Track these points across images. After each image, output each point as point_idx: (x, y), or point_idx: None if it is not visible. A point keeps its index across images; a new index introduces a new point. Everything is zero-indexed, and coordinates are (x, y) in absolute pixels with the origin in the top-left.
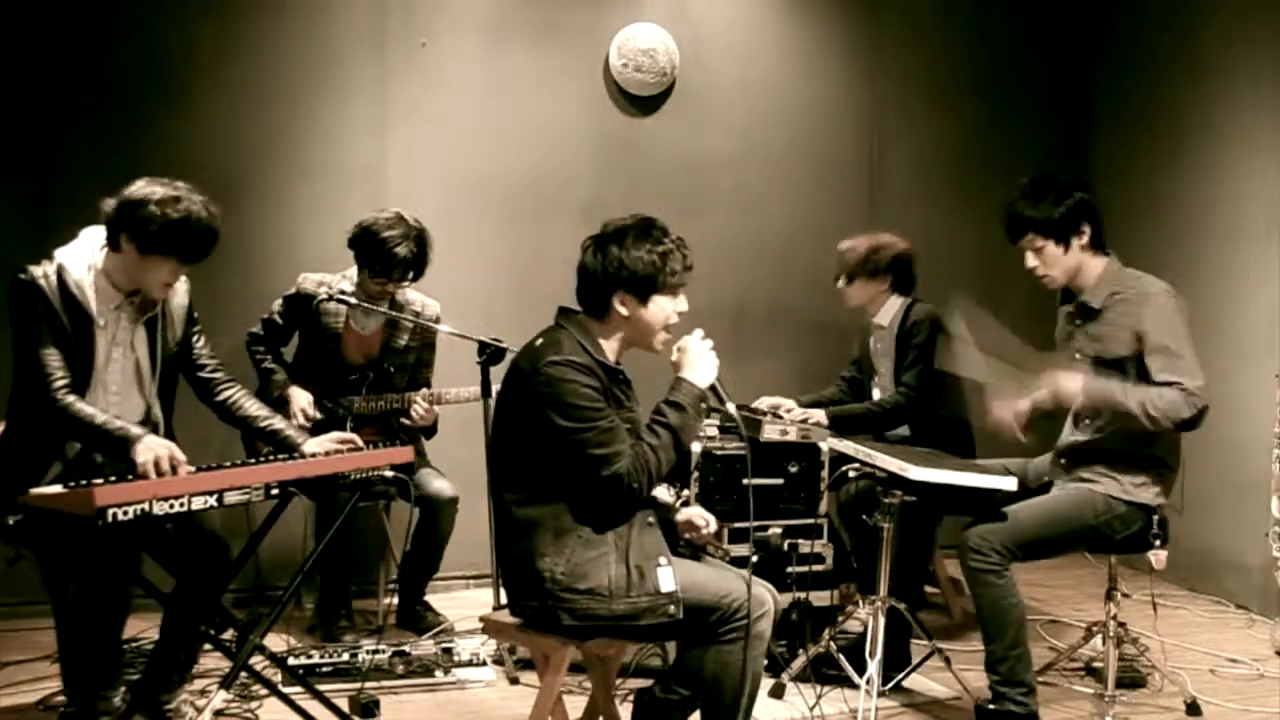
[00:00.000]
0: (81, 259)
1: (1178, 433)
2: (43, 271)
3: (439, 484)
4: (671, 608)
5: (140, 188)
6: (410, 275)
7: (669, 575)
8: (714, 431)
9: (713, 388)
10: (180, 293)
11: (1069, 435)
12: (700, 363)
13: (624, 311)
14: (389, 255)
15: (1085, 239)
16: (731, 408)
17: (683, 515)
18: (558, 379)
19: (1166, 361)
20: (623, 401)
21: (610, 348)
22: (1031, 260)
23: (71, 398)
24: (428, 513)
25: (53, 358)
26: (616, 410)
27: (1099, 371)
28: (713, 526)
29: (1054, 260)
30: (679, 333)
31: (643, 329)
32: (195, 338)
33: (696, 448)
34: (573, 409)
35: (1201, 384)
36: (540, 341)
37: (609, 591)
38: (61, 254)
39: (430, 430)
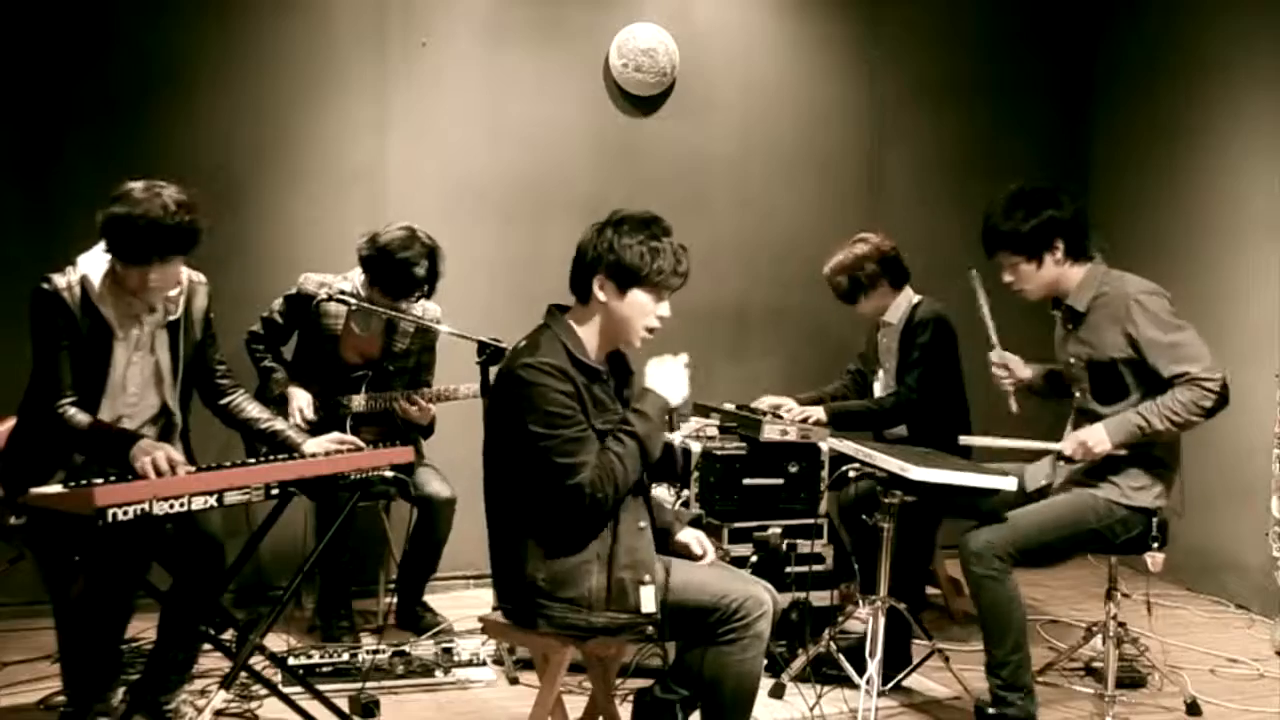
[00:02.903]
0: (102, 269)
1: (1209, 418)
2: (66, 282)
3: (437, 485)
4: (649, 629)
5: (120, 188)
6: (425, 293)
7: (650, 596)
8: (714, 431)
9: (672, 411)
10: (201, 295)
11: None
12: (672, 381)
13: (602, 297)
14: (409, 276)
15: (1059, 253)
16: (676, 437)
17: (681, 538)
18: (530, 382)
19: (1170, 356)
20: (605, 404)
21: (592, 343)
22: (1007, 276)
23: (72, 410)
24: (425, 513)
25: (64, 371)
26: (597, 413)
27: (1093, 376)
28: (710, 557)
29: (1028, 276)
30: (670, 349)
31: (618, 320)
32: (210, 342)
33: (696, 447)
34: (541, 414)
35: (1209, 363)
36: (523, 344)
37: (589, 603)
38: (84, 262)
39: (427, 430)
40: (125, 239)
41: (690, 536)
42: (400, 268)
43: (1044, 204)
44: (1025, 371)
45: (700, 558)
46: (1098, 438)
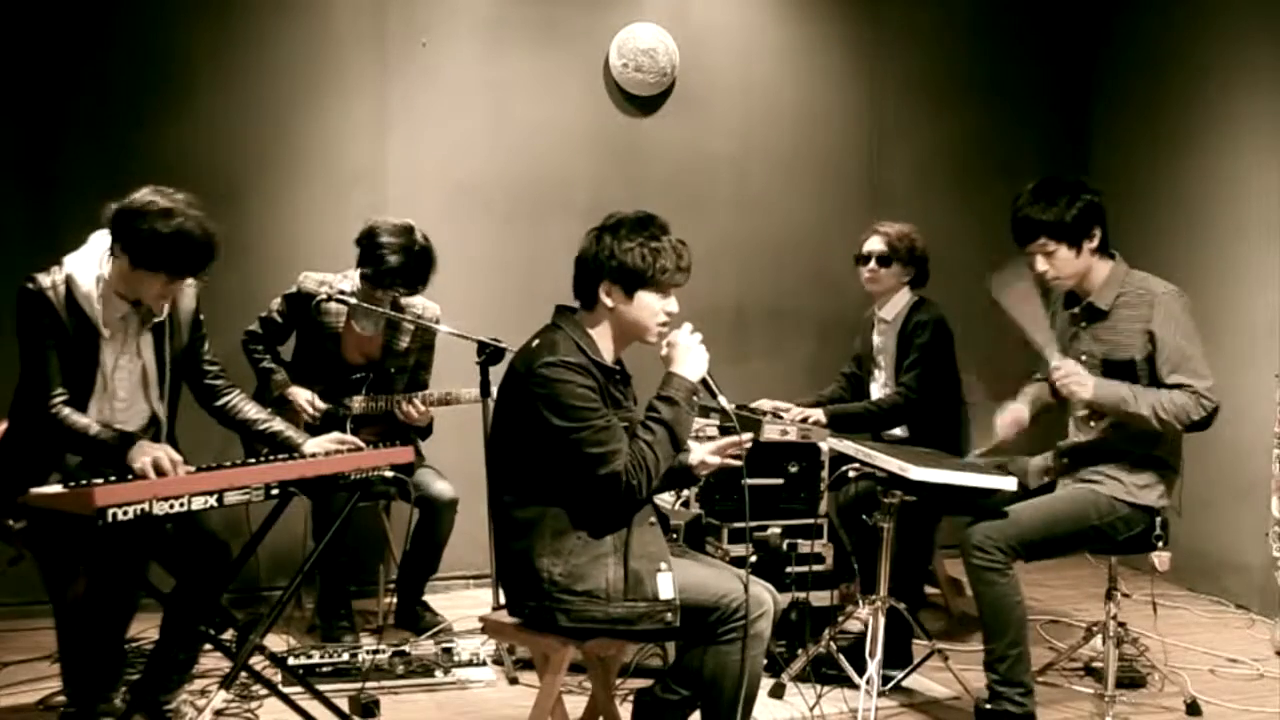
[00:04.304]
0: (90, 269)
1: (1187, 432)
2: (51, 282)
3: (440, 485)
4: (669, 615)
5: (140, 197)
6: (400, 286)
7: (668, 582)
8: (714, 432)
9: (704, 381)
10: (188, 296)
11: (1073, 435)
12: (690, 356)
13: (609, 303)
14: (379, 261)
15: (1095, 241)
16: (724, 400)
17: (694, 457)
18: (553, 379)
19: (1176, 363)
20: (620, 401)
21: (605, 345)
22: (1042, 264)
23: (66, 410)
24: (427, 514)
25: (53, 370)
26: (614, 410)
27: (1108, 374)
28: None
29: (1065, 264)
30: (672, 330)
31: (629, 323)
32: (200, 343)
33: (697, 447)
34: (569, 409)
35: (1211, 384)
36: (536, 343)
37: (606, 594)
38: (71, 262)
39: (425, 430)
40: (160, 251)
41: (702, 451)
42: (375, 250)
43: (1082, 190)
44: (1024, 413)
45: (737, 454)
46: (1083, 380)
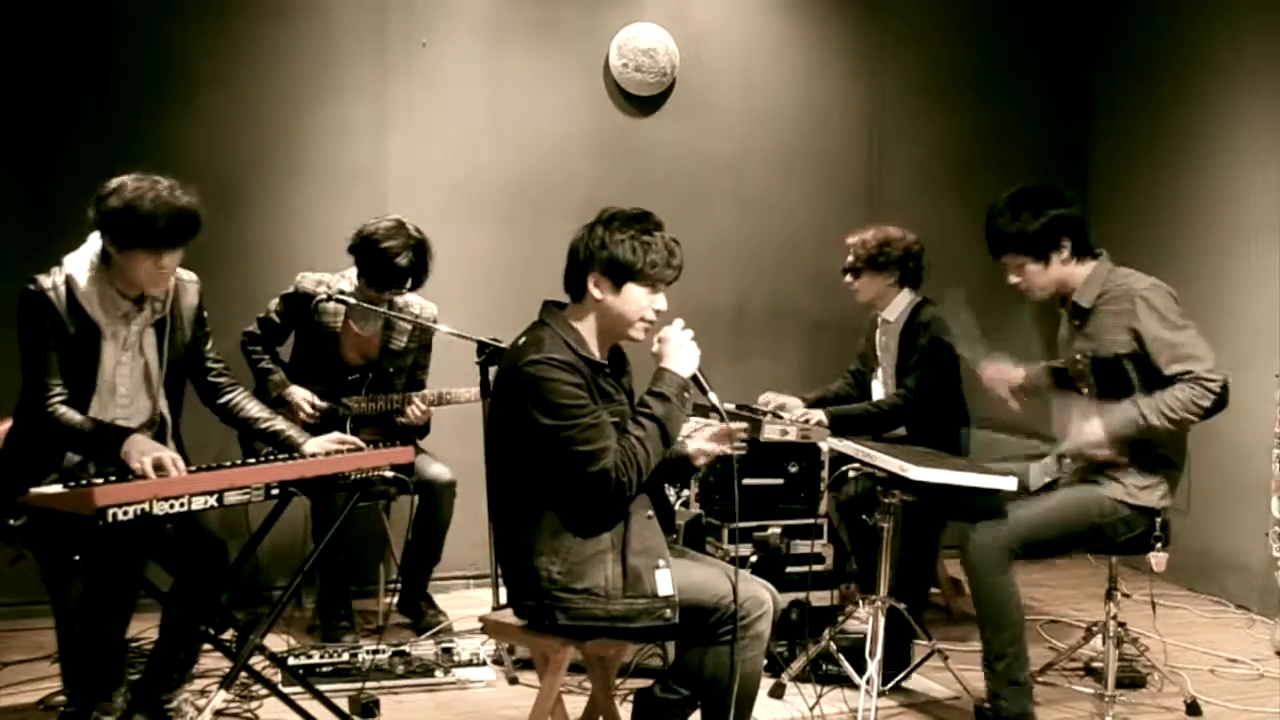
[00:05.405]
0: (89, 268)
1: (1208, 418)
2: (51, 283)
3: (436, 468)
4: (668, 612)
5: (112, 181)
6: (409, 285)
7: (667, 578)
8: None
9: (694, 378)
10: (191, 294)
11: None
12: (681, 352)
13: (597, 294)
14: (390, 266)
15: (1065, 253)
16: (714, 398)
17: (691, 448)
18: (539, 378)
19: (1172, 354)
20: (611, 395)
21: (591, 339)
22: (1013, 277)
23: (63, 409)
24: (426, 498)
25: (52, 369)
26: (604, 405)
27: (1097, 372)
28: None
29: (1034, 276)
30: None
31: (615, 316)
32: (203, 340)
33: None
34: (555, 407)
35: (1211, 364)
36: (523, 340)
37: (605, 592)
38: (70, 262)
39: (423, 430)
40: (136, 224)
41: (700, 439)
42: (382, 256)
43: (1049, 203)
44: (1017, 373)
45: (728, 444)
46: (1093, 432)
